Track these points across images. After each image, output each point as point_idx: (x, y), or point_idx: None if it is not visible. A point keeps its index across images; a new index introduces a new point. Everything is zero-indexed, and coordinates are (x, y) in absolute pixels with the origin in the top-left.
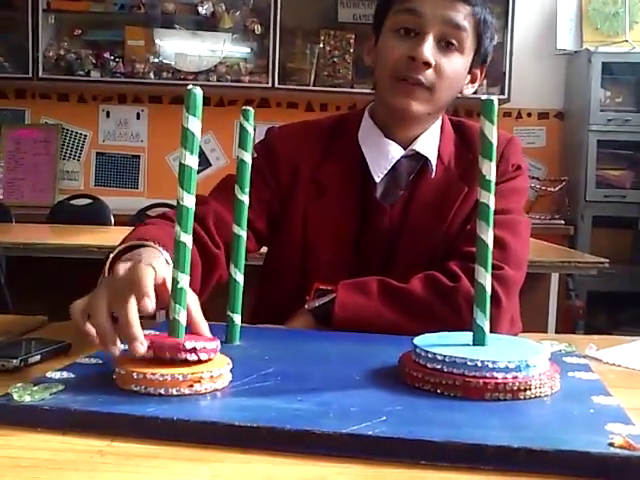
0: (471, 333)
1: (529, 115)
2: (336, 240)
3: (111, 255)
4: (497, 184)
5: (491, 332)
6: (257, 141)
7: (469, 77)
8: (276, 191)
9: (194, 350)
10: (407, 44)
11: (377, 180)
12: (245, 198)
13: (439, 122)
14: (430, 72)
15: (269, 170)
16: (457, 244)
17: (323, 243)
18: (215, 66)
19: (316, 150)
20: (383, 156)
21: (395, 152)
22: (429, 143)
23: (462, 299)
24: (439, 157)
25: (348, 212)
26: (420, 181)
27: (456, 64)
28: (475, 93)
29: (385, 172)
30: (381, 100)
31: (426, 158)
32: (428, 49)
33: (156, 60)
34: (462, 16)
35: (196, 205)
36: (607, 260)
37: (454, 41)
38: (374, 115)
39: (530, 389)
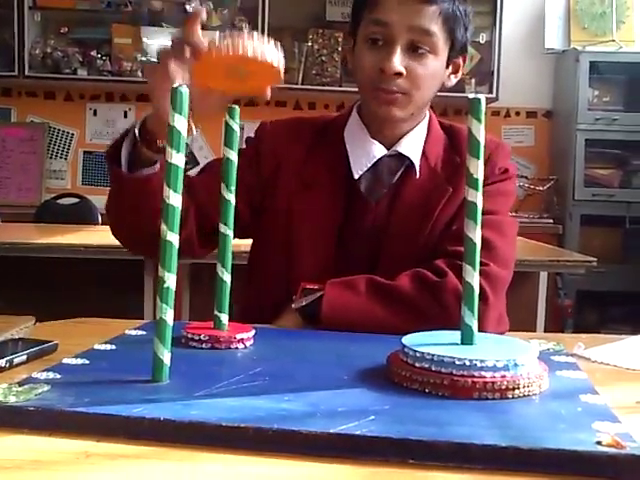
0: (459, 332)
1: (517, 114)
2: (320, 233)
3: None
4: (483, 186)
5: (478, 328)
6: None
7: (450, 68)
8: (257, 179)
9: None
10: (377, 55)
11: (356, 176)
12: (231, 197)
13: (425, 122)
14: (403, 80)
15: (254, 157)
16: (443, 244)
17: (307, 236)
18: None
19: (302, 146)
20: (365, 154)
21: (377, 151)
22: (413, 144)
23: (449, 294)
24: (425, 158)
25: (332, 206)
26: (405, 181)
27: (430, 66)
28: (463, 91)
29: (365, 169)
30: (364, 104)
31: (409, 159)
32: (397, 60)
33: (143, 58)
34: (429, 20)
35: None
36: (595, 259)
37: (425, 46)
38: (361, 113)
39: (518, 388)
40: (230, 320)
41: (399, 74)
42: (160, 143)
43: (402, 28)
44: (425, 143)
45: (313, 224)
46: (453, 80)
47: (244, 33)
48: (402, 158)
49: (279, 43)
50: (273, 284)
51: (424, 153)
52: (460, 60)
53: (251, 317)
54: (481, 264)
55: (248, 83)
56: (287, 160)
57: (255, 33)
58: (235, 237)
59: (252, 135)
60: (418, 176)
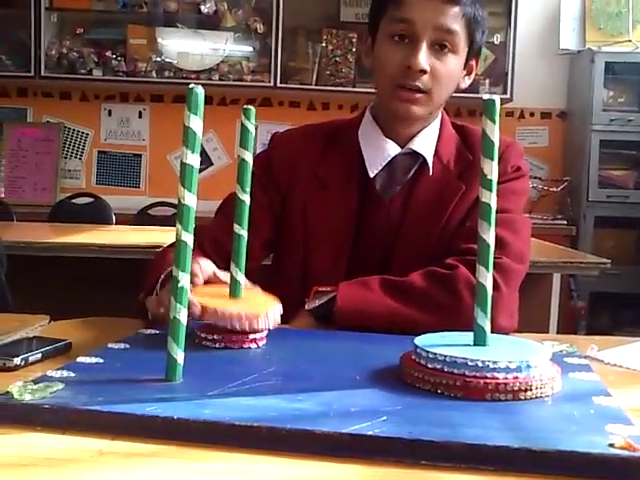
0: (472, 333)
1: (532, 115)
2: (335, 233)
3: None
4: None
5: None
6: (260, 146)
7: (465, 71)
8: (275, 193)
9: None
10: (402, 52)
11: (371, 175)
12: (246, 197)
13: (438, 122)
14: (426, 77)
15: (266, 176)
16: (456, 242)
17: (323, 235)
18: (217, 65)
19: (316, 149)
20: (380, 153)
21: (392, 150)
22: (426, 142)
23: (461, 284)
24: (437, 156)
25: (347, 205)
26: (419, 178)
27: (451, 65)
28: (477, 92)
29: (380, 168)
30: (382, 102)
31: (423, 156)
32: (423, 57)
33: (158, 59)
34: (453, 19)
35: (197, 234)
36: (609, 261)
37: (447, 44)
38: (375, 113)
39: (531, 389)
40: None
41: (424, 71)
42: None
43: (427, 26)
44: (438, 142)
45: (328, 224)
46: (467, 82)
47: (235, 314)
48: (415, 156)
49: (279, 308)
50: (290, 284)
51: (437, 151)
52: (473, 62)
53: None
54: (494, 259)
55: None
56: (301, 163)
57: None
58: (268, 255)
59: (262, 150)
60: (431, 173)
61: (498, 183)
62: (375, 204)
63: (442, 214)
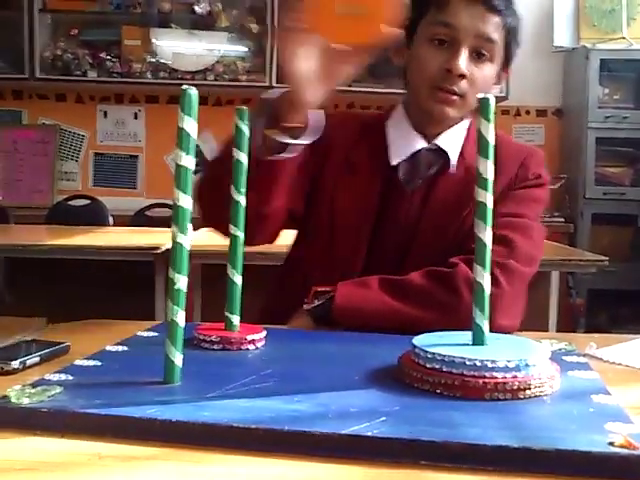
0: (470, 333)
1: (527, 112)
2: (359, 216)
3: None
4: (514, 189)
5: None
6: None
7: (495, 79)
8: (310, 172)
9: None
10: (443, 56)
11: (394, 163)
12: (241, 199)
13: (466, 124)
14: (464, 82)
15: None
16: (466, 242)
17: (347, 218)
18: (212, 65)
19: (351, 134)
20: (406, 144)
21: (418, 143)
22: (452, 140)
23: (460, 281)
24: (462, 156)
25: (371, 191)
26: (441, 175)
27: (487, 72)
28: None
29: (403, 158)
30: (415, 102)
31: (447, 154)
32: (463, 62)
33: (153, 60)
34: (494, 29)
35: None
36: (607, 258)
37: (486, 52)
38: (407, 109)
39: (530, 388)
40: (251, 323)
41: (463, 76)
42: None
43: (469, 33)
44: (464, 142)
45: (354, 208)
46: (495, 89)
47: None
48: (440, 153)
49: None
50: (314, 269)
51: (462, 151)
52: (502, 72)
53: (277, 316)
54: (500, 260)
55: (363, 25)
56: (336, 145)
57: None
58: (289, 222)
59: None
60: (454, 171)
61: (517, 188)
62: (398, 194)
63: (461, 212)
